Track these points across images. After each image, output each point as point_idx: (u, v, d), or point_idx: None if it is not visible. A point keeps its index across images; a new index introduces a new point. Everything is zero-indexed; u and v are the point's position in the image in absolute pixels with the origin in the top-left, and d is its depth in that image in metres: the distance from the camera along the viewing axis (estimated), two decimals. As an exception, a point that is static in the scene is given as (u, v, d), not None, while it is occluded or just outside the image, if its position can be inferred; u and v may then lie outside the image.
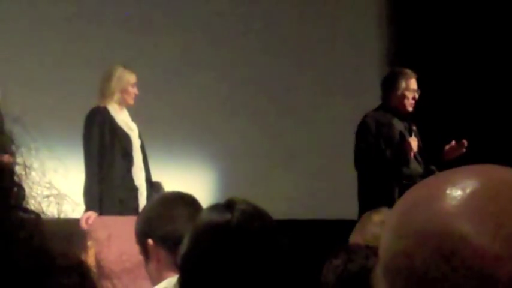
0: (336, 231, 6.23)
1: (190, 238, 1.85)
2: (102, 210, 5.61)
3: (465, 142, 6.18)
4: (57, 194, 0.67)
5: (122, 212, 5.65)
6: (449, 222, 0.81)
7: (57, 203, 0.68)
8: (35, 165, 0.67)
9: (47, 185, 0.67)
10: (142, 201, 5.84)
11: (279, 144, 7.95)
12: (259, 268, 1.77)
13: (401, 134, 6.23)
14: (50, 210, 0.66)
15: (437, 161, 6.17)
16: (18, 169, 0.65)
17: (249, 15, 8.09)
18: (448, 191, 0.84)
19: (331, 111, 8.07)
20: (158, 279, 2.76)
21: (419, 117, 6.53)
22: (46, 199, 0.67)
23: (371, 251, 3.53)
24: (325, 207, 7.61)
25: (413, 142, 6.17)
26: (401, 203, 0.88)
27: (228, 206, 1.87)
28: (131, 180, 5.89)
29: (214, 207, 1.91)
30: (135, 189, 5.88)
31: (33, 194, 0.66)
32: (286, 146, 7.96)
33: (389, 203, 4.95)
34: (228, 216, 1.83)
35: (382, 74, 6.97)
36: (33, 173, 0.66)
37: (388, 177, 6.09)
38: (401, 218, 0.85)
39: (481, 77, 7.97)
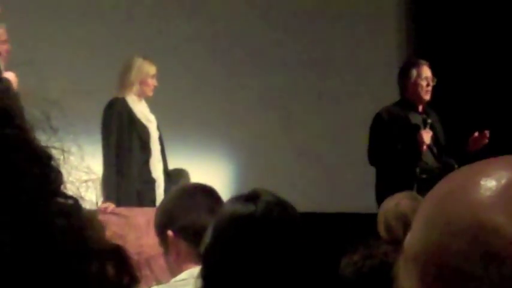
0: (354, 225, 6.25)
1: (213, 229, 1.84)
2: (119, 202, 5.61)
3: (487, 133, 6.20)
4: (95, 179, 0.66)
5: (139, 203, 5.66)
6: (482, 214, 0.80)
7: (95, 188, 0.67)
8: (73, 149, 0.66)
9: (86, 170, 0.66)
10: (160, 193, 5.86)
11: (298, 136, 7.93)
12: (283, 260, 1.76)
13: (416, 126, 6.24)
14: (88, 195, 0.65)
15: (461, 154, 6.16)
16: (56, 154, 0.64)
17: (266, 7, 8.07)
18: (482, 182, 0.83)
19: (352, 104, 8.03)
20: (177, 271, 2.75)
21: (440, 110, 6.52)
22: (84, 184, 0.66)
23: (390, 247, 3.53)
24: (344, 201, 7.59)
25: (426, 135, 6.19)
26: (433, 193, 0.87)
27: (251, 197, 1.86)
28: (149, 172, 5.90)
29: (237, 199, 1.89)
30: (152, 181, 5.89)
31: (72, 179, 0.64)
32: (306, 138, 7.95)
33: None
34: (252, 207, 1.82)
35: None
36: (72, 158, 0.65)
37: (400, 170, 6.10)
38: (434, 209, 0.84)
39: (502, 68, 7.91)
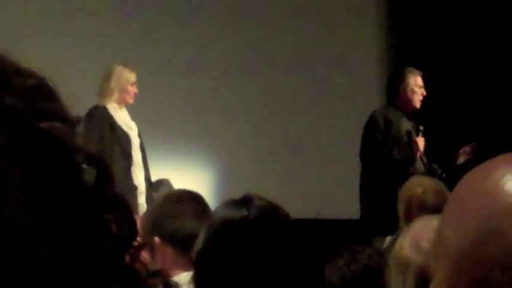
0: (336, 231, 6.27)
1: (206, 234, 1.84)
2: (101, 209, 5.58)
3: (474, 145, 6.29)
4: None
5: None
6: None
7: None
8: None
9: None
10: (142, 200, 5.84)
11: (281, 143, 7.93)
12: (276, 264, 1.77)
13: (409, 133, 6.25)
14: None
15: (447, 165, 6.20)
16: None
17: (246, 14, 8.07)
18: (506, 188, 0.81)
19: (332, 109, 8.05)
20: (165, 278, 2.74)
21: (424, 117, 6.54)
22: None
23: (374, 251, 3.55)
24: (327, 207, 7.60)
25: (420, 142, 6.21)
26: (456, 200, 0.86)
27: (243, 202, 1.86)
28: (130, 179, 5.88)
29: (229, 204, 1.89)
30: (134, 189, 5.87)
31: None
32: (288, 145, 7.95)
33: (392, 201, 4.99)
34: (244, 212, 1.82)
35: (382, 74, 6.98)
36: None
37: (394, 175, 6.08)
38: (462, 216, 0.83)
39: (482, 74, 7.94)
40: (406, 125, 6.30)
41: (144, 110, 6.19)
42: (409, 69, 6.48)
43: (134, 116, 6.05)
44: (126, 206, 0.64)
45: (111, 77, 5.96)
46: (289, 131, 8.02)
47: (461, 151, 6.33)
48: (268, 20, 8.12)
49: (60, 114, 0.64)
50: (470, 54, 7.99)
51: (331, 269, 3.24)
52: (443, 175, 6.03)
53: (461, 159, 6.30)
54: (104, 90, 5.95)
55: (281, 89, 8.06)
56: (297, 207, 7.37)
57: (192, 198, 2.89)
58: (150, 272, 0.64)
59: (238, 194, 1.96)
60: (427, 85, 6.54)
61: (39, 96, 0.63)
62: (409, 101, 6.32)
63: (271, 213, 1.86)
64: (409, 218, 4.08)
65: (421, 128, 6.28)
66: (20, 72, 0.64)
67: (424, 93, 6.35)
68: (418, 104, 6.34)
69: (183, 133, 7.60)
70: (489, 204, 0.82)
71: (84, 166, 0.64)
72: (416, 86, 6.33)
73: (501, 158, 0.87)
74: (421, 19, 8.21)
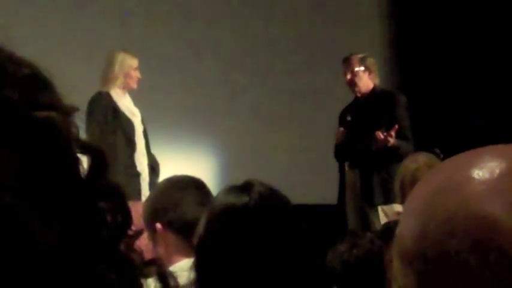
0: (339, 217, 6.31)
1: (207, 221, 1.84)
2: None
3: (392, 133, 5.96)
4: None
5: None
6: (481, 207, 0.79)
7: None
8: None
9: None
10: (145, 187, 5.85)
11: (283, 130, 7.95)
12: (277, 250, 1.77)
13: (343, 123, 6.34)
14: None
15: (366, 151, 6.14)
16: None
17: (250, 6, 8.08)
18: (474, 175, 0.81)
19: (333, 101, 8.05)
20: (167, 264, 2.75)
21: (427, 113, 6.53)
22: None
23: (375, 235, 3.55)
24: (329, 193, 7.61)
25: (338, 132, 6.33)
26: (422, 189, 0.85)
27: (245, 188, 1.86)
28: (134, 165, 5.89)
29: (230, 190, 1.89)
30: (137, 175, 5.88)
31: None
32: (291, 132, 7.96)
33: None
34: (245, 198, 1.82)
35: (383, 72, 7.01)
36: None
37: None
38: (427, 206, 0.82)
39: (481, 71, 7.94)
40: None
41: (146, 96, 6.19)
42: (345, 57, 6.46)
43: (137, 103, 6.06)
44: (121, 195, 0.65)
45: (114, 63, 5.97)
46: (292, 118, 8.02)
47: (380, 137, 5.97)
48: (273, 11, 8.14)
49: (55, 104, 0.65)
50: (470, 51, 7.99)
51: (332, 255, 3.24)
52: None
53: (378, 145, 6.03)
54: (107, 77, 5.95)
55: (284, 79, 8.06)
56: (299, 193, 7.38)
57: (195, 185, 2.88)
58: (145, 261, 0.65)
59: (239, 180, 1.96)
60: (427, 81, 6.54)
61: (35, 85, 0.64)
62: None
63: (273, 199, 1.86)
64: (404, 194, 4.10)
65: (348, 118, 6.30)
66: (15, 62, 0.65)
67: (352, 77, 6.27)
68: (353, 89, 6.33)
69: (186, 120, 7.60)
70: (460, 194, 0.82)
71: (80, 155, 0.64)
72: (344, 73, 6.35)
73: (468, 155, 0.86)
74: (422, 16, 8.22)
